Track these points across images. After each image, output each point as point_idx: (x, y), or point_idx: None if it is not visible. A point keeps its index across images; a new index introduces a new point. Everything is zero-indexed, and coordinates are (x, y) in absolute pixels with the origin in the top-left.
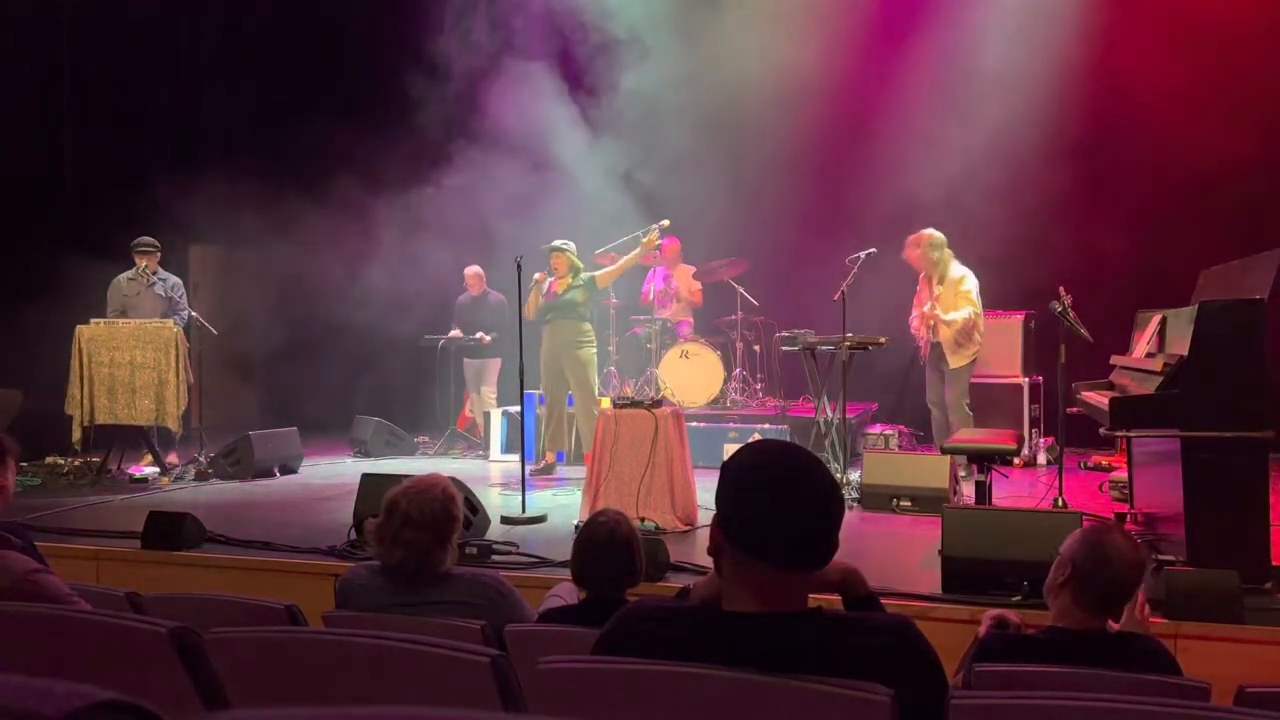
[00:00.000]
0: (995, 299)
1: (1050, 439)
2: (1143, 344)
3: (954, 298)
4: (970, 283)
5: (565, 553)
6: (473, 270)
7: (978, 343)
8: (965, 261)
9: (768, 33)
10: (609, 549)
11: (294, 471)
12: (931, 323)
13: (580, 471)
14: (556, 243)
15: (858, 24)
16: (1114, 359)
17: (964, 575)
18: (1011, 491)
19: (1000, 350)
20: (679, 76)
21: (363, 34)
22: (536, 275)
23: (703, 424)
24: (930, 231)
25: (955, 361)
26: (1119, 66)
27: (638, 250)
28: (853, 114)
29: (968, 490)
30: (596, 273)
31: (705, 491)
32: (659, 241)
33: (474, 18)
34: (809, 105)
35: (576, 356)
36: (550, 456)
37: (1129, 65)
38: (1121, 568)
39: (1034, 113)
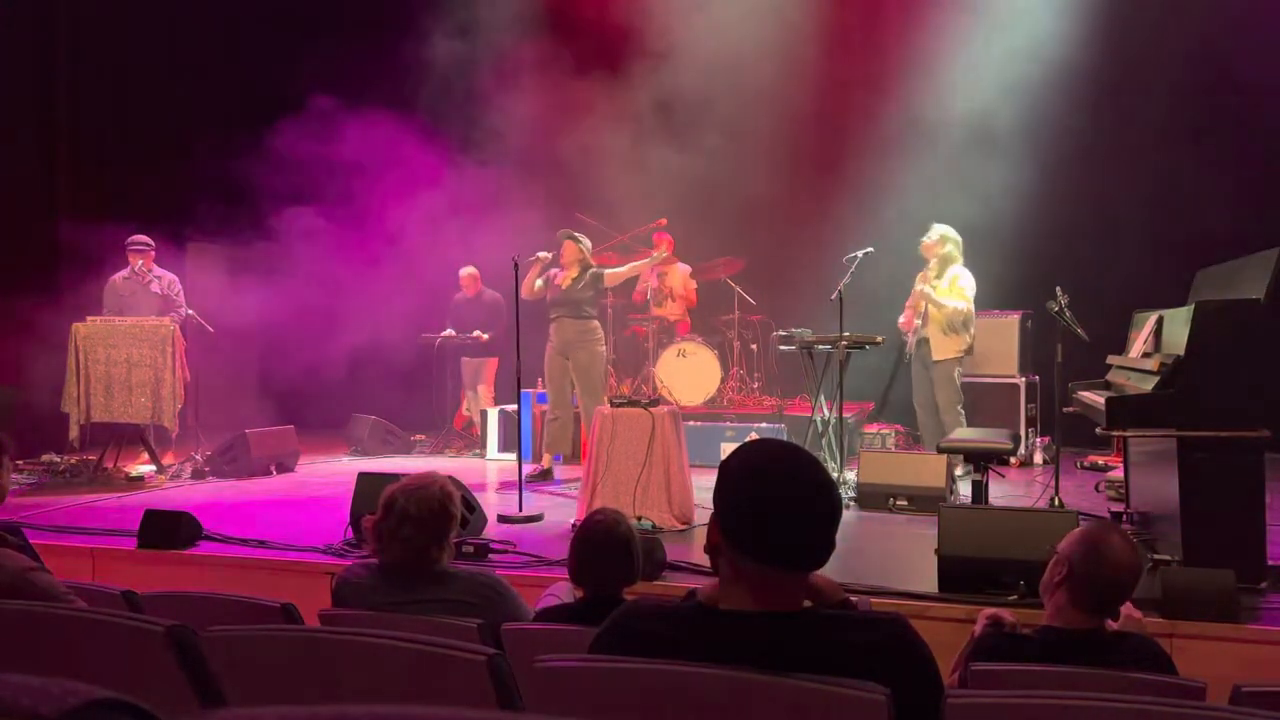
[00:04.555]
0: (992, 299)
1: (1047, 438)
2: (1139, 343)
3: (948, 291)
4: (966, 280)
5: (562, 551)
6: (467, 271)
7: (967, 340)
8: (967, 263)
9: (765, 28)
10: (606, 548)
11: (290, 470)
12: (922, 307)
13: (578, 473)
14: (572, 231)
15: (857, 22)
16: (1110, 358)
17: (960, 574)
18: (1008, 491)
19: (997, 349)
20: (675, 73)
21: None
22: (542, 253)
23: (700, 423)
24: (948, 227)
25: (940, 353)
26: (1120, 64)
27: (648, 261)
28: (852, 113)
29: (964, 489)
30: (605, 270)
31: (702, 490)
32: (664, 254)
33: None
34: (807, 104)
35: (584, 354)
36: (547, 459)
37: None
38: (1118, 569)
39: (1034, 112)
